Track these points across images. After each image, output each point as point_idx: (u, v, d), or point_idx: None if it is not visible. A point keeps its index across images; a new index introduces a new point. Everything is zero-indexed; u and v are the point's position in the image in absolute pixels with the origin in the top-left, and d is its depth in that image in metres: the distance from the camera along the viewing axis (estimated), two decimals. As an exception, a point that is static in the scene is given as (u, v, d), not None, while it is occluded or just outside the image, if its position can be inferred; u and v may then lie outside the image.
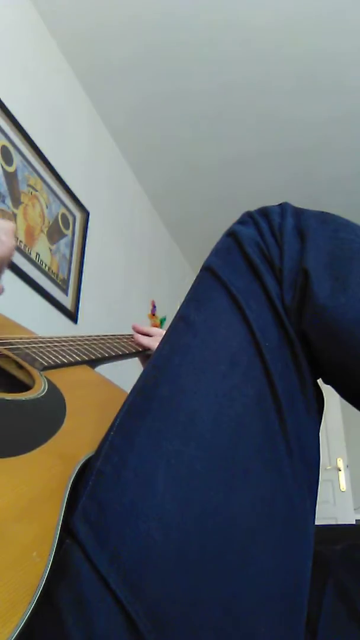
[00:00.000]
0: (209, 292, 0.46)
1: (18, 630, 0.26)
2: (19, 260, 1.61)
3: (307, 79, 2.20)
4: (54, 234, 1.87)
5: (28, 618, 0.27)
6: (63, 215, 1.95)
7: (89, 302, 2.03)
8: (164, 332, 0.89)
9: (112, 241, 2.40)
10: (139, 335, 0.88)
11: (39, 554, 0.30)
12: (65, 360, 0.63)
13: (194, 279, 0.49)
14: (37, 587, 0.28)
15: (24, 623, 0.26)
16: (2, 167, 1.62)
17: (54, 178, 1.90)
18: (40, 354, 0.61)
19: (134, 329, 0.91)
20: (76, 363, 0.66)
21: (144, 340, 0.87)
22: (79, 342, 0.74)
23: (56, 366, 0.61)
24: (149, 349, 0.87)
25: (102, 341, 0.80)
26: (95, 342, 0.78)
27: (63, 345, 0.69)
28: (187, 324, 0.45)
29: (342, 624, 0.39)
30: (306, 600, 0.37)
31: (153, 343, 0.86)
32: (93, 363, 0.71)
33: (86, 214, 2.11)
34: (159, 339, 0.87)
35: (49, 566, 0.30)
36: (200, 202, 2.93)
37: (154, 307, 2.68)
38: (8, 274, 1.54)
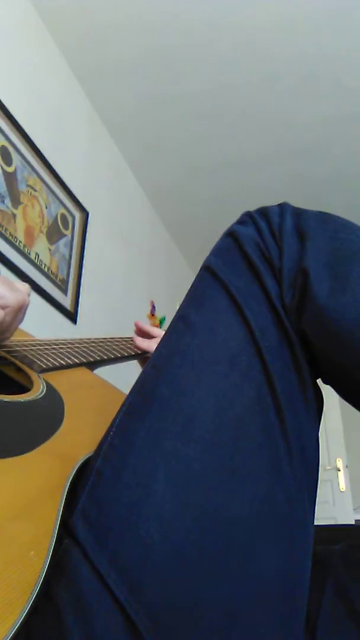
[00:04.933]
0: (209, 292, 0.46)
1: (15, 629, 0.26)
2: (18, 260, 1.61)
3: (307, 79, 2.21)
4: (54, 234, 1.87)
5: (25, 617, 0.27)
6: (62, 216, 1.95)
7: (88, 303, 2.03)
8: (163, 332, 0.89)
9: (112, 241, 2.40)
10: (139, 338, 0.88)
11: (36, 553, 0.30)
12: (63, 363, 0.63)
13: (193, 278, 0.49)
14: (34, 586, 0.28)
15: (21, 622, 0.26)
16: (2, 167, 1.61)
17: (54, 178, 1.90)
18: (39, 356, 0.61)
19: (137, 326, 0.92)
20: (75, 365, 0.66)
21: (144, 344, 0.87)
22: (77, 345, 0.74)
23: (54, 368, 0.61)
24: (147, 352, 0.87)
25: (101, 344, 0.80)
26: (94, 344, 0.77)
27: (61, 348, 0.69)
28: (187, 324, 0.45)
29: (341, 624, 0.39)
30: (305, 600, 0.37)
31: (153, 346, 0.86)
32: (92, 365, 0.71)
33: (85, 214, 2.11)
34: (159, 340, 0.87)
35: (47, 565, 0.30)
36: (200, 202, 2.93)
37: (154, 307, 2.67)
38: (8, 275, 1.54)
